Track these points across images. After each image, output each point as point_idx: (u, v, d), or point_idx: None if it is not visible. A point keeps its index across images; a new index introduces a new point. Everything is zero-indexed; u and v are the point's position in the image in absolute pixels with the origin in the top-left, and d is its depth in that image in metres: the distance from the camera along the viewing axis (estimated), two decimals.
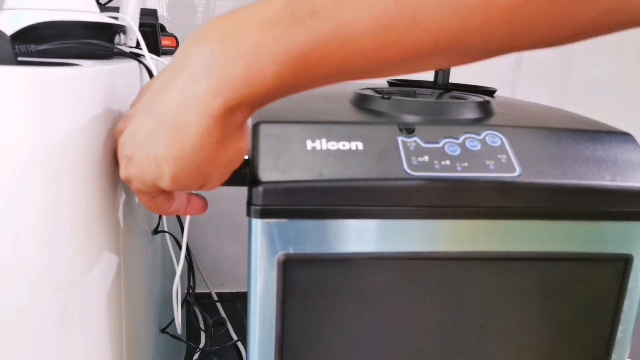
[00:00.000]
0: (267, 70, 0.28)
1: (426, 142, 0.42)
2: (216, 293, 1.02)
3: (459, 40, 0.26)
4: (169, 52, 0.71)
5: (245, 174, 0.40)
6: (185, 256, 0.56)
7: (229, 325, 0.83)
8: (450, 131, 0.43)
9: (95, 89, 0.36)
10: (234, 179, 0.40)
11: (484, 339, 0.44)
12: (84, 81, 0.35)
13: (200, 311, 0.71)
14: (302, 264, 0.40)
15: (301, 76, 0.28)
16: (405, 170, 0.40)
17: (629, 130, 0.46)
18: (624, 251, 0.43)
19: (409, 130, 0.42)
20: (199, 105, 0.29)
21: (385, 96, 0.48)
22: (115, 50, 0.45)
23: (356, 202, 0.39)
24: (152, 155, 0.31)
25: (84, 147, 0.34)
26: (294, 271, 0.40)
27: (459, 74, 0.95)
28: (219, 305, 0.97)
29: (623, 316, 0.45)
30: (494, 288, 0.43)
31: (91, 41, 0.43)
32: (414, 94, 0.59)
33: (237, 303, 0.98)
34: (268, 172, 0.38)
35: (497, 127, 0.44)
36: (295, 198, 0.38)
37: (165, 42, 0.69)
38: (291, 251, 0.39)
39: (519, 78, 1.08)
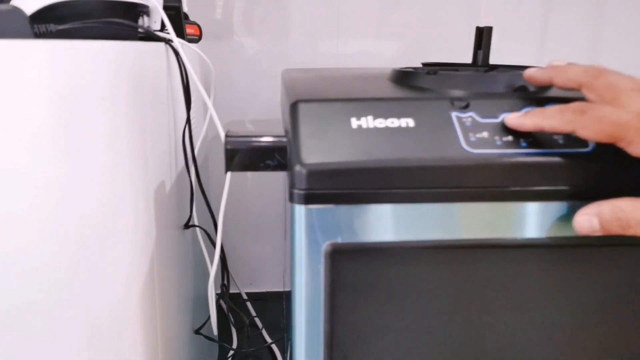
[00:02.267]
0: None
1: (483, 117, 0.38)
2: (245, 293, 0.99)
3: None
4: (192, 41, 0.68)
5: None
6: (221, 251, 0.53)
7: (261, 327, 0.79)
8: (508, 104, 0.39)
9: (120, 67, 0.33)
10: (271, 164, 0.37)
11: (553, 336, 0.40)
12: (108, 57, 0.31)
13: (235, 311, 0.68)
14: (352, 255, 0.36)
15: None
16: (463, 148, 0.36)
17: None
18: None
19: (463, 105, 0.38)
20: None
21: (431, 71, 0.44)
22: (140, 31, 0.42)
23: (411, 184, 0.35)
24: None
25: (109, 127, 0.31)
26: (343, 263, 0.36)
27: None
28: (249, 304, 0.94)
29: None
30: (565, 279, 0.39)
31: (115, 20, 0.40)
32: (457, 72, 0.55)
33: (270, 302, 0.95)
34: (311, 153, 0.35)
35: (561, 98, 0.40)
36: (343, 181, 0.35)
37: (189, 30, 0.66)
38: (339, 240, 0.36)
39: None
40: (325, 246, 0.36)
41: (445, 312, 0.38)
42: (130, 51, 0.35)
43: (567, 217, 0.37)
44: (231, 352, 0.64)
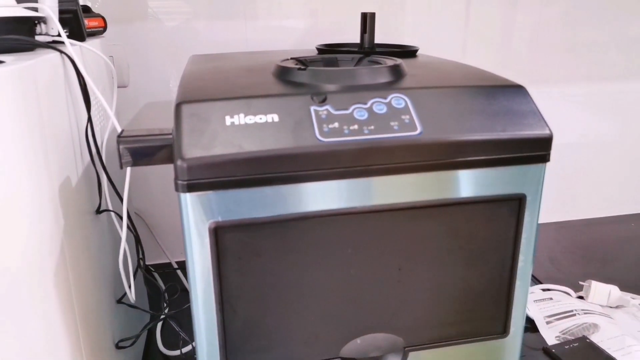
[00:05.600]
0: None
1: (337, 110, 0.46)
2: (177, 262, 1.07)
3: None
4: (97, 32, 0.72)
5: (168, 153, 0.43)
6: (131, 229, 0.60)
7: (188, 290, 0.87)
8: (359, 97, 0.47)
9: (16, 80, 0.38)
10: (160, 159, 0.44)
11: (402, 279, 0.50)
12: (1, 82, 0.37)
13: (157, 280, 0.75)
14: (232, 230, 0.44)
15: None
16: (317, 138, 0.44)
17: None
18: (518, 191, 0.49)
19: (321, 100, 0.46)
20: None
21: (302, 67, 0.51)
22: (36, 42, 0.47)
23: (274, 170, 0.43)
24: None
25: (9, 136, 0.37)
26: (224, 236, 0.44)
27: (412, 35, 0.99)
28: (179, 272, 1.02)
29: (522, 247, 0.52)
30: (407, 234, 0.48)
31: (10, 37, 0.45)
32: (336, 61, 0.63)
33: None
34: (191, 149, 0.42)
35: (402, 89, 0.49)
36: (217, 171, 0.42)
37: (92, 23, 0.69)
38: (220, 219, 0.44)
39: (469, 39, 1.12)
40: (209, 224, 0.43)
41: (313, 267, 0.47)
42: (25, 63, 0.40)
43: (404, 186, 0.46)
44: (151, 316, 0.72)
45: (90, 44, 0.60)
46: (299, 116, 0.45)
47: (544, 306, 0.89)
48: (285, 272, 0.47)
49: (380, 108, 0.47)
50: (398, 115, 0.46)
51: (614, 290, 0.89)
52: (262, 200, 0.44)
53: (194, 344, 0.49)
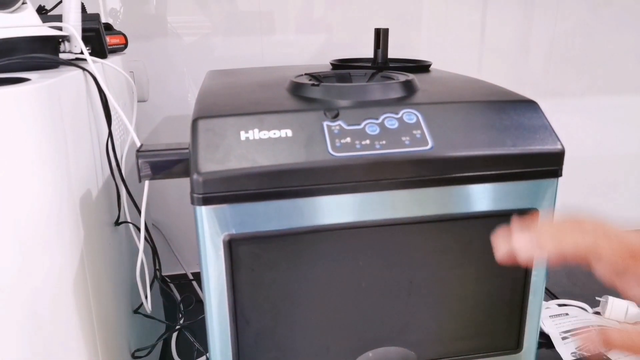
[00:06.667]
0: None
1: (349, 125, 0.47)
2: (192, 273, 1.08)
3: None
4: (118, 49, 0.74)
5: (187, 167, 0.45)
6: (149, 241, 0.61)
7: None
8: (371, 112, 0.48)
9: (43, 98, 0.40)
10: (177, 172, 0.45)
11: (414, 292, 0.50)
12: (31, 91, 0.39)
13: (173, 291, 0.76)
14: (246, 242, 0.45)
15: None
16: (329, 152, 0.45)
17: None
18: (530, 206, 0.49)
19: (334, 115, 0.47)
20: None
21: (315, 83, 0.52)
22: (60, 60, 0.49)
23: (287, 184, 0.44)
24: None
25: (34, 150, 0.39)
26: (238, 249, 0.45)
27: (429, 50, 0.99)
28: (194, 284, 1.03)
29: (535, 262, 0.51)
30: (418, 248, 0.49)
31: (36, 55, 0.47)
32: (349, 77, 0.64)
33: None
34: (207, 163, 0.43)
35: (414, 105, 0.49)
36: (232, 185, 0.43)
37: (113, 40, 0.72)
38: (234, 232, 0.44)
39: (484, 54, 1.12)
40: (223, 237, 0.44)
41: (325, 279, 0.48)
42: (50, 80, 0.42)
43: (415, 200, 0.47)
44: (168, 326, 0.73)
45: (112, 60, 0.62)
46: (312, 131, 0.46)
47: (559, 322, 0.87)
48: (297, 284, 0.48)
49: (391, 123, 0.47)
50: (409, 130, 0.47)
51: (631, 306, 0.88)
52: (276, 214, 0.45)
53: (208, 354, 0.49)
